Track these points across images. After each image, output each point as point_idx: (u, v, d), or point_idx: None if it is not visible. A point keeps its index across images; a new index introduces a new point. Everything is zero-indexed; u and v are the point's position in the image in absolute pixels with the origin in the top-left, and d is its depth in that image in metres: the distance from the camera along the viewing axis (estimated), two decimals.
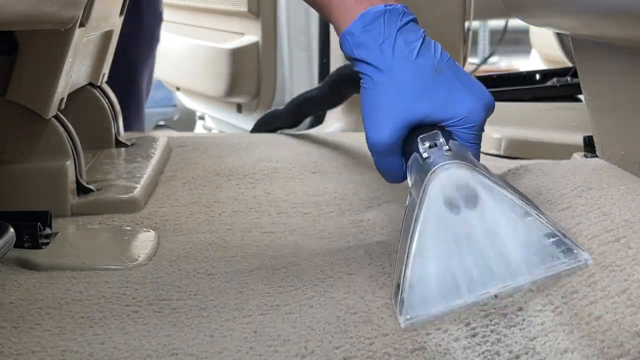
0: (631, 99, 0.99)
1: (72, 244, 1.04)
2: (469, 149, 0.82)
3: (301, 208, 1.19)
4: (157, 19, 1.93)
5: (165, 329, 0.78)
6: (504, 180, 0.79)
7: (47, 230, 1.03)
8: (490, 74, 1.84)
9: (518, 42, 4.62)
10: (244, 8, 2.26)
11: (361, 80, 0.86)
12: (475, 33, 5.81)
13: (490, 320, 0.74)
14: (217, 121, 2.74)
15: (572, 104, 1.70)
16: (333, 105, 1.65)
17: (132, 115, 1.85)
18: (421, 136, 0.80)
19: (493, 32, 5.90)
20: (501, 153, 1.59)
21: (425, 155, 0.79)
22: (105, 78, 1.50)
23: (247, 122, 2.40)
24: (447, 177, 0.75)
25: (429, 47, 0.85)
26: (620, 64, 0.99)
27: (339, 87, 1.56)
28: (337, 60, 2.02)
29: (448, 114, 0.83)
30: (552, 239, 0.75)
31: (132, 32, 1.76)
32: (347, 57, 0.87)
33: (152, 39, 1.92)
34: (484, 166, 0.78)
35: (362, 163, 1.43)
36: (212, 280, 0.92)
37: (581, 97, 1.65)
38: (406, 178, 0.84)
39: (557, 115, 1.67)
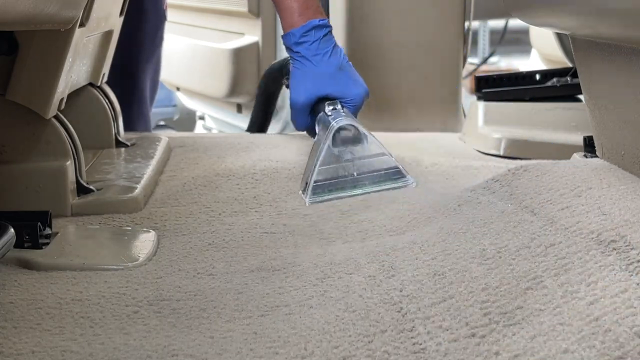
0: (631, 99, 0.99)
1: (72, 244, 1.04)
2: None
3: (301, 208, 1.19)
4: (161, 18, 1.93)
5: (165, 330, 0.78)
6: (371, 133, 1.26)
7: (47, 230, 1.03)
8: (490, 74, 1.84)
9: (518, 42, 4.62)
10: (244, 8, 2.26)
11: (293, 65, 1.38)
12: (475, 33, 5.81)
13: (490, 320, 0.74)
14: (217, 121, 2.74)
15: (572, 104, 1.70)
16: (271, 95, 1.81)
17: (136, 115, 1.84)
18: (327, 102, 1.33)
19: (493, 32, 5.90)
20: (501, 153, 1.59)
21: (329, 113, 1.30)
22: (105, 78, 1.50)
23: (247, 122, 2.40)
24: (342, 125, 1.25)
25: (337, 52, 1.37)
26: (620, 64, 0.99)
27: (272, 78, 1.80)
28: None
29: (343, 94, 1.35)
30: (394, 169, 1.25)
31: (135, 31, 1.76)
32: (286, 46, 1.39)
33: (155, 38, 1.91)
34: (361, 122, 1.28)
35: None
36: (212, 280, 0.92)
37: (581, 97, 1.65)
38: (307, 128, 1.41)
39: (557, 115, 1.67)
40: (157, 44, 1.93)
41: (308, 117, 1.38)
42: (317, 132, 1.32)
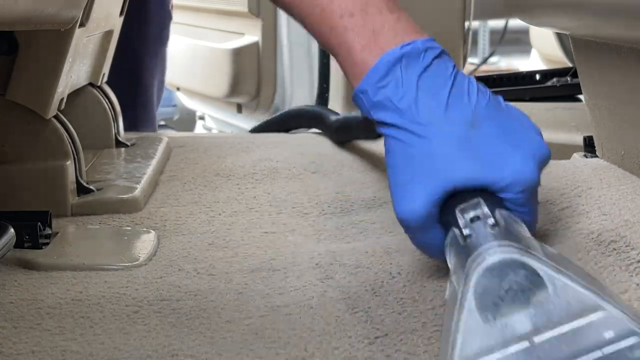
0: (631, 99, 0.99)
1: (72, 244, 1.04)
2: (520, 219, 0.69)
3: (301, 208, 1.19)
4: (166, 17, 1.92)
5: (166, 330, 0.78)
6: (568, 260, 0.62)
7: (47, 230, 1.03)
8: (490, 74, 1.84)
9: (518, 42, 4.61)
10: (244, 8, 2.26)
11: (384, 143, 0.75)
12: (475, 33, 5.80)
13: None
14: (217, 121, 2.74)
15: (572, 104, 1.70)
16: (337, 139, 1.52)
17: (142, 117, 1.84)
18: (460, 206, 0.66)
19: (493, 32, 5.90)
20: None
21: (466, 232, 0.65)
22: (105, 78, 1.50)
23: (247, 122, 2.40)
24: (493, 265, 0.58)
25: (461, 91, 0.71)
26: (620, 64, 0.99)
27: (346, 128, 1.45)
28: None
29: (490, 177, 0.69)
30: (631, 339, 0.54)
31: (140, 31, 1.75)
32: (363, 112, 0.75)
33: (161, 37, 1.91)
34: (541, 244, 0.62)
35: (362, 163, 1.43)
36: (212, 280, 0.92)
37: (581, 97, 1.65)
38: (443, 250, 0.73)
39: (557, 115, 1.67)
40: (162, 43, 1.92)
41: (442, 233, 0.73)
42: (450, 272, 0.67)
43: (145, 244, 1.03)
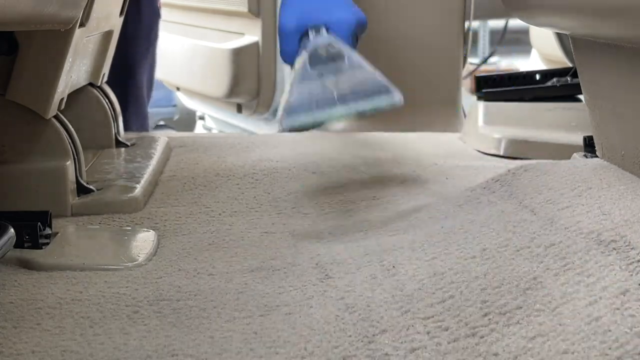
0: (631, 99, 0.99)
1: (72, 244, 1.04)
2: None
3: (301, 208, 1.19)
4: (155, 14, 1.94)
5: (166, 330, 0.78)
6: (354, 51, 1.15)
7: (47, 230, 1.03)
8: (490, 74, 1.84)
9: (518, 42, 4.61)
10: (244, 8, 2.26)
11: None
12: (475, 33, 5.80)
13: (490, 320, 0.74)
14: (217, 121, 2.74)
15: (572, 104, 1.70)
16: None
17: (133, 113, 1.84)
18: (310, 25, 1.17)
19: (493, 32, 5.90)
20: (501, 153, 1.59)
21: (311, 37, 1.16)
22: (105, 78, 1.50)
23: (247, 122, 2.40)
24: (319, 42, 1.15)
25: None
26: (620, 64, 0.99)
27: None
28: None
29: (329, 18, 1.18)
30: (378, 85, 1.12)
31: (130, 28, 1.76)
32: None
33: (150, 35, 1.92)
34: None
35: (362, 163, 1.43)
36: (212, 280, 0.92)
37: (581, 97, 1.65)
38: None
39: (557, 115, 1.67)
40: (152, 40, 1.93)
41: (297, 50, 1.22)
42: (300, 57, 1.19)
43: (145, 244, 1.03)
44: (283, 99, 1.14)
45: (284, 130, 1.13)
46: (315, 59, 1.14)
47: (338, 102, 1.11)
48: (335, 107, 1.11)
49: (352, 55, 1.14)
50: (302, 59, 1.15)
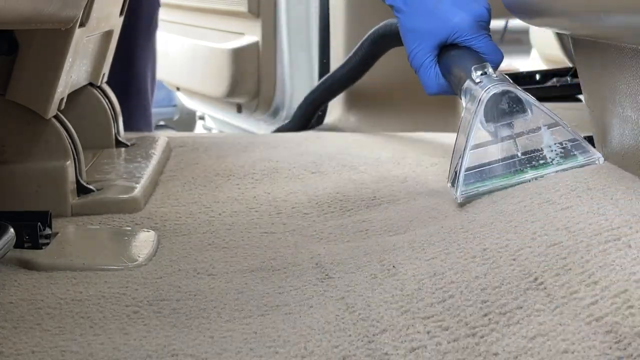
0: (631, 99, 0.99)
1: (72, 244, 1.04)
2: (482, 48, 1.08)
3: (301, 208, 1.19)
4: (155, 4, 1.93)
5: (165, 330, 0.78)
6: (535, 99, 1.01)
7: (47, 231, 1.03)
8: None
9: (518, 42, 4.61)
10: (244, 8, 2.26)
11: (397, 19, 1.12)
12: None
13: (490, 320, 0.74)
14: (217, 121, 2.74)
15: (572, 104, 1.70)
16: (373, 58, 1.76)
17: (135, 107, 1.84)
18: (475, 66, 1.03)
19: (493, 32, 5.90)
20: None
21: (477, 79, 1.02)
22: (105, 78, 1.50)
23: (247, 122, 2.40)
24: (497, 93, 0.99)
25: None
26: (620, 64, 0.99)
27: (382, 40, 1.71)
28: (337, 60, 2.02)
29: (446, 31, 1.08)
30: (573, 143, 0.99)
31: (130, 19, 1.75)
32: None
33: (150, 25, 1.91)
34: (523, 90, 1.02)
35: (362, 163, 1.43)
36: (212, 280, 0.92)
37: (581, 97, 1.65)
38: (445, 90, 1.10)
39: None
40: (152, 31, 1.93)
41: (436, 77, 1.10)
42: (464, 105, 1.05)
43: (145, 244, 1.03)
44: (457, 162, 1.00)
45: (461, 199, 1.00)
46: (490, 113, 0.99)
47: (523, 163, 0.99)
48: (520, 173, 0.99)
49: (535, 106, 1.00)
50: (474, 113, 0.99)
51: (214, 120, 2.79)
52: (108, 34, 1.43)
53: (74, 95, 1.38)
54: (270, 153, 1.50)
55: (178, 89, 2.76)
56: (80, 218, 1.16)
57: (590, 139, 1.17)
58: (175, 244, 1.05)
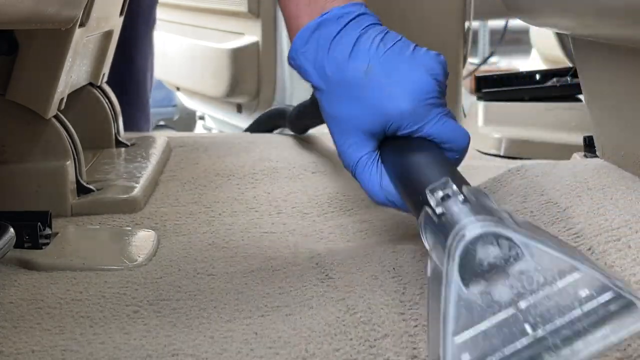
0: (631, 99, 0.99)
1: (72, 244, 1.04)
2: (438, 134, 0.81)
3: (301, 208, 1.19)
4: (153, 0, 1.93)
5: (166, 330, 0.78)
6: (538, 227, 0.65)
7: (47, 231, 1.03)
8: (490, 74, 1.84)
9: (518, 42, 4.62)
10: (244, 8, 2.26)
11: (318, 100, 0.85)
12: (475, 33, 5.81)
13: None
14: (217, 121, 2.74)
15: (572, 104, 1.70)
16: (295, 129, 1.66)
17: (132, 98, 1.83)
18: (430, 187, 0.67)
19: (493, 32, 5.90)
20: (501, 153, 1.59)
21: (439, 210, 0.65)
22: (105, 78, 1.50)
23: (247, 122, 2.40)
24: (473, 239, 0.59)
25: (364, 42, 0.80)
26: (620, 64, 0.99)
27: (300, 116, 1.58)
28: None
29: (382, 118, 0.78)
30: (608, 297, 0.56)
31: (129, 13, 1.75)
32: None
33: (148, 19, 1.91)
34: (509, 213, 0.64)
35: None
36: (212, 280, 0.92)
37: (581, 97, 1.65)
38: (395, 200, 0.84)
39: (557, 115, 1.67)
40: (150, 27, 1.93)
41: (380, 182, 0.84)
42: (427, 247, 0.68)
43: (145, 244, 1.03)
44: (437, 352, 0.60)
45: None
46: (470, 270, 0.59)
47: (546, 347, 0.56)
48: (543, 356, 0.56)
49: (535, 246, 0.59)
50: (447, 274, 0.59)
51: (214, 120, 2.79)
52: (108, 34, 1.43)
53: (74, 95, 1.38)
54: (270, 153, 1.50)
55: (178, 89, 2.76)
56: (80, 218, 1.16)
57: (590, 139, 1.17)
58: (175, 244, 1.05)
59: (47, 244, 1.01)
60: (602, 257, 0.77)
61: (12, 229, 0.93)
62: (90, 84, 1.45)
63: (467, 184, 0.73)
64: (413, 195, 0.75)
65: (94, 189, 1.21)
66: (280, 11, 0.90)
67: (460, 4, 1.97)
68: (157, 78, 2.73)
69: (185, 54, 2.55)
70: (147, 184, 1.26)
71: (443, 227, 0.64)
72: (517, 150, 1.58)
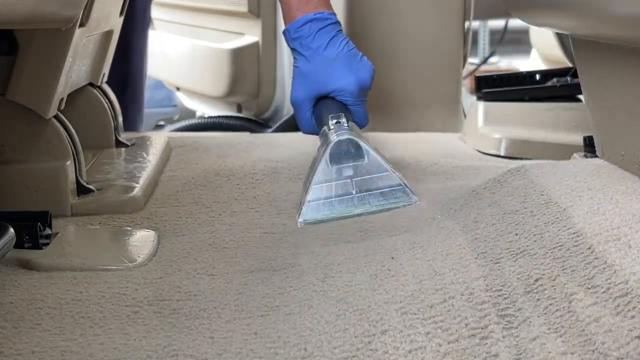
0: (631, 99, 0.99)
1: (72, 244, 1.04)
2: (355, 112, 1.25)
3: None
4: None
5: (165, 330, 0.78)
6: (375, 148, 1.18)
7: (47, 231, 1.03)
8: (490, 74, 1.84)
9: (518, 42, 4.61)
10: (244, 8, 2.26)
11: (294, 60, 1.28)
12: (475, 33, 5.80)
13: (490, 321, 0.74)
14: None
15: (572, 104, 1.70)
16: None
17: (130, 96, 1.84)
18: (331, 115, 1.21)
19: (493, 32, 5.90)
20: (501, 153, 1.59)
21: (331, 127, 1.20)
22: (105, 78, 1.50)
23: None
24: (341, 140, 1.16)
25: (334, 43, 1.26)
26: (620, 64, 0.99)
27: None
28: None
29: (334, 88, 1.24)
30: (396, 188, 1.16)
31: (125, 14, 1.76)
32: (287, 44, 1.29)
33: (144, 18, 1.91)
34: (365, 138, 1.19)
35: None
36: (212, 280, 0.92)
37: (581, 97, 1.65)
38: (315, 131, 1.26)
39: (557, 115, 1.67)
40: (145, 27, 1.93)
41: (311, 119, 1.27)
42: (318, 147, 1.22)
43: (145, 244, 1.03)
44: (303, 193, 1.16)
45: (301, 225, 1.12)
46: (335, 156, 1.16)
47: (356, 200, 1.15)
48: (354, 205, 1.15)
49: (372, 154, 1.16)
50: (322, 154, 1.16)
51: None
52: (108, 34, 1.43)
53: (74, 95, 1.38)
54: (270, 153, 1.50)
55: (178, 89, 2.76)
56: (80, 218, 1.16)
57: (590, 139, 1.17)
58: (175, 244, 1.05)
59: (47, 244, 1.01)
60: (602, 256, 0.77)
61: (12, 229, 0.93)
62: (90, 84, 1.45)
63: (352, 120, 1.23)
64: (325, 120, 1.22)
65: (94, 189, 1.21)
66: (280, 11, 1.24)
67: (460, 4, 1.97)
68: (157, 78, 2.74)
69: (186, 54, 2.55)
70: (147, 184, 1.26)
71: (328, 135, 1.18)
72: (517, 151, 1.58)
